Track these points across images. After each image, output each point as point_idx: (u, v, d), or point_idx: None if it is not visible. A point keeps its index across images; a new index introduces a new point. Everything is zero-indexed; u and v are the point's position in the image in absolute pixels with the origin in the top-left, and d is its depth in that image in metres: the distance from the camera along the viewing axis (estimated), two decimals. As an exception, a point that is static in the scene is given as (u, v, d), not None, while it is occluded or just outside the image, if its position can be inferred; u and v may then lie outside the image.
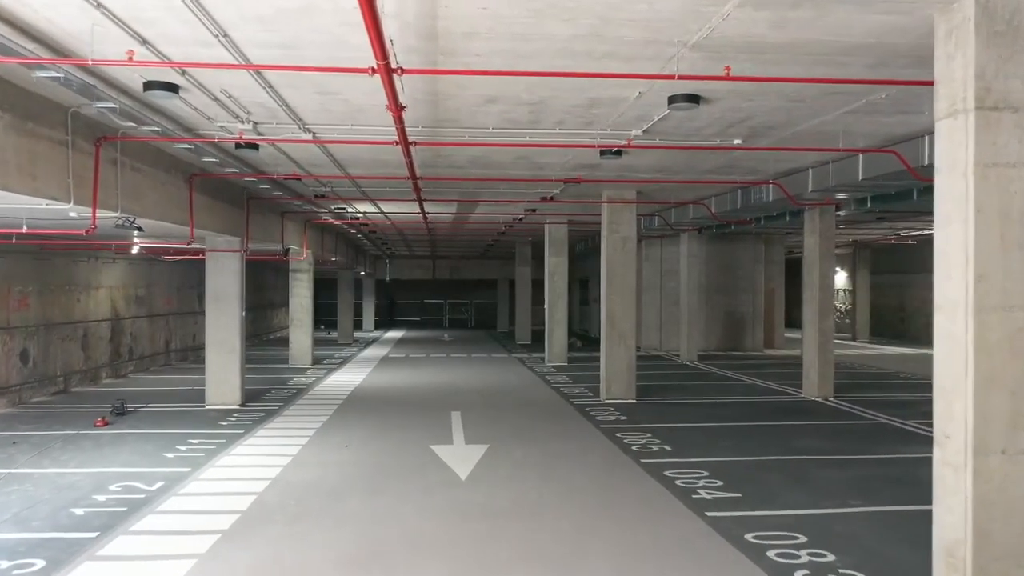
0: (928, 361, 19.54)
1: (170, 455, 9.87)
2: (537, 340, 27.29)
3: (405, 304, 47.88)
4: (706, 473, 8.89)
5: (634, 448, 10.32)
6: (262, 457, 9.86)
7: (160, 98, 6.85)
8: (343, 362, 22.72)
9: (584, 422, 12.40)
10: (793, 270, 32.42)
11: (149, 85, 6.58)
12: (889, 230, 25.60)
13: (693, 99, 7.02)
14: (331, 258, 25.70)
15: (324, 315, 42.63)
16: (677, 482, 8.51)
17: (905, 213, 18.52)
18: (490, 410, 13.69)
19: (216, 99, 7.21)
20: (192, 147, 8.78)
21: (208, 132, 8.48)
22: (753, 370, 20.01)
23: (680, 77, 5.82)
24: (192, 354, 23.38)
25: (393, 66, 5.27)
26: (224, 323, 13.91)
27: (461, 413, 13.18)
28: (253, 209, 14.62)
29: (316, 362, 22.05)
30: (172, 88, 6.66)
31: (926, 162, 8.70)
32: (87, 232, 7.87)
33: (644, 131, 8.64)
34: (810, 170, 11.54)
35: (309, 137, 8.64)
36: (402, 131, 7.23)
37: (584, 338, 31.76)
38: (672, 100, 7.06)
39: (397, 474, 9.01)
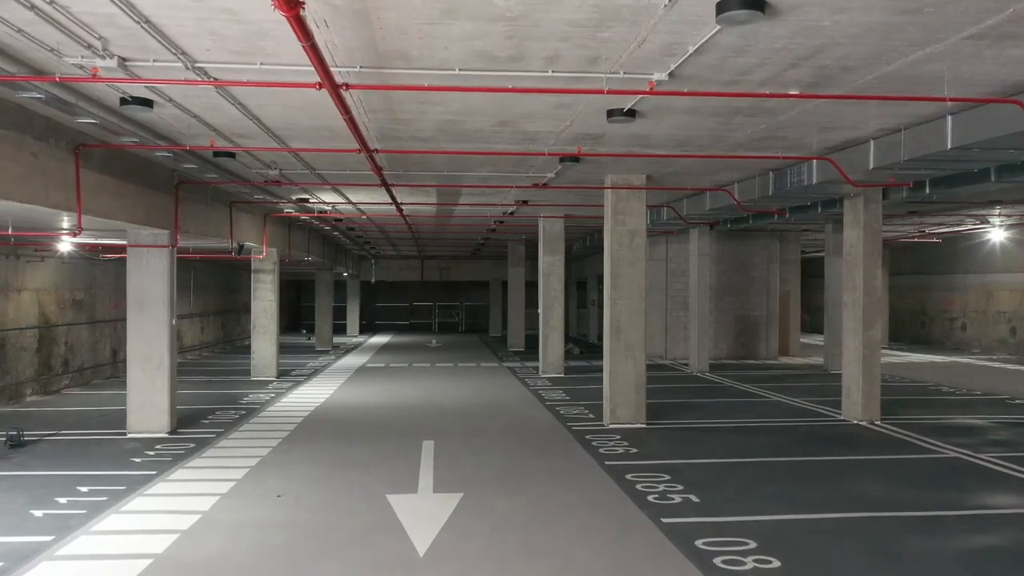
0: (962, 370, 17.06)
1: (39, 513, 7.46)
2: (531, 346, 24.91)
3: (392, 307, 45.46)
4: (753, 544, 6.50)
5: (651, 499, 7.94)
6: (160, 516, 7.44)
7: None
8: (314, 373, 20.31)
9: (585, 457, 10.01)
10: (809, 270, 30.15)
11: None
12: (913, 227, 23.32)
13: (756, 4, 4.65)
14: (304, 257, 23.29)
15: (308, 319, 40.27)
16: (717, 560, 6.12)
17: (958, 204, 16.18)
18: (471, 439, 11.30)
19: (32, 7, 4.82)
20: (41, 96, 6.39)
21: (62, 72, 6.04)
22: (773, 383, 17.64)
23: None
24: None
25: None
26: (149, 333, 11.52)
27: (435, 443, 10.79)
28: (188, 197, 12.22)
29: (282, 373, 19.65)
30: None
31: (1059, 117, 6.36)
32: None
33: (670, 73, 6.26)
34: (871, 142, 9.15)
35: (201, 78, 6.24)
36: (313, 51, 4.80)
37: (582, 344, 29.40)
38: (724, 7, 4.68)
39: (333, 546, 6.61)
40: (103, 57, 5.68)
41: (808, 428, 12.09)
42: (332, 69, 5.84)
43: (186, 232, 12.37)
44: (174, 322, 11.70)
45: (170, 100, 7.23)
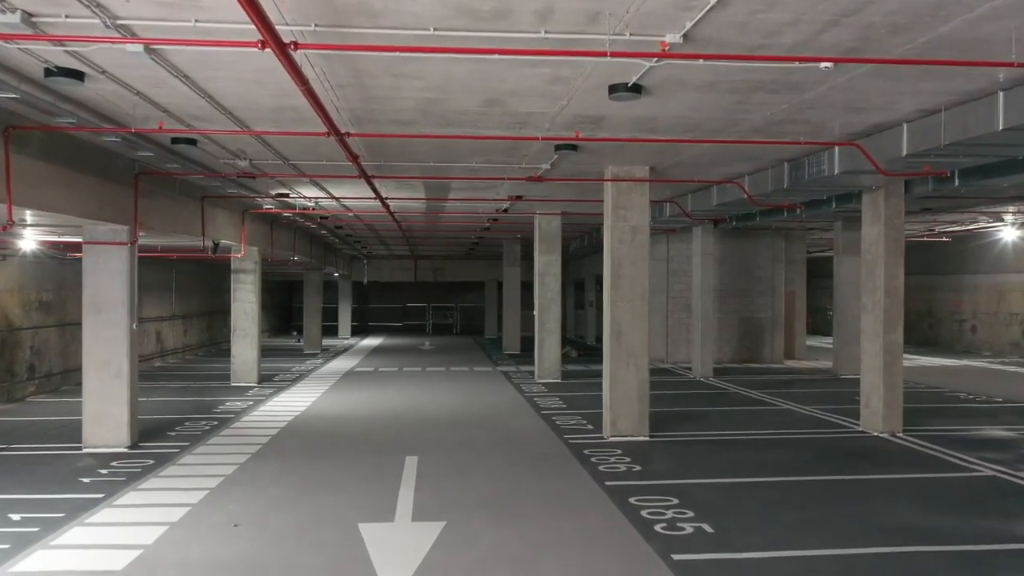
0: (977, 375, 15.95)
1: (-47, 549, 6.48)
2: (527, 349, 23.94)
3: (386, 308, 44.49)
4: (782, 589, 5.54)
5: (659, 528, 6.97)
6: (94, 553, 6.46)
7: None
8: (298, 378, 19.31)
9: (583, 476, 9.03)
10: (812, 270, 29.22)
11: None
12: (923, 225, 22.38)
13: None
14: (290, 257, 22.30)
15: (299, 320, 39.25)
16: (741, 613, 5.15)
17: (977, 200, 15.25)
18: (458, 454, 10.32)
19: None
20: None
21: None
22: (781, 389, 16.70)
23: None
24: (122, 369, 19.93)
25: None
26: (107, 339, 10.53)
27: (419, 459, 9.82)
28: (152, 190, 11.24)
29: (264, 379, 18.64)
30: None
31: None
32: None
33: (685, 35, 5.30)
34: (904, 125, 8.19)
35: (123, 35, 5.25)
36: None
37: (579, 346, 28.45)
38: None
39: (288, 591, 5.64)
40: (3, 11, 4.71)
41: (826, 441, 11.13)
42: (281, 28, 4.88)
43: (150, 228, 11.41)
44: (135, 326, 10.71)
45: (103, 71, 6.26)
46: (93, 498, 8.02)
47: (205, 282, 27.61)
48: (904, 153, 8.20)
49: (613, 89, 6.67)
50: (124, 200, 10.28)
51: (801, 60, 5.72)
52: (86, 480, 8.80)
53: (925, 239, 25.80)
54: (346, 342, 33.41)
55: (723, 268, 22.69)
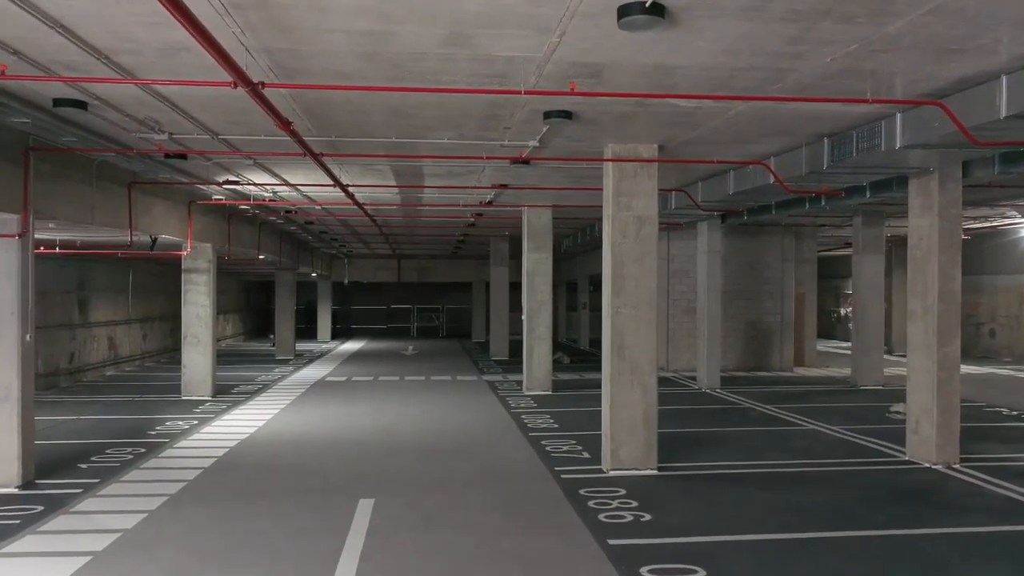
0: (1008, 385, 13.72)
1: None
2: (515, 354, 21.98)
3: (369, 310, 42.48)
4: None
5: (685, 624, 5.03)
6: None
7: None
8: (260, 389, 17.31)
9: (580, 531, 7.07)
10: (821, 271, 27.44)
11: None
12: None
13: None
14: (254, 255, 20.30)
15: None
16: None
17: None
18: (425, 494, 8.35)
19: None
20: None
21: None
22: (800, 403, 14.81)
23: None
24: (66, 379, 17.93)
25: None
26: (-9, 354, 8.53)
27: (375, 504, 7.86)
28: (56, 173, 9.27)
29: (221, 391, 16.65)
30: None
31: None
32: None
33: None
34: (1003, 78, 6.23)
35: None
36: None
37: (572, 351, 26.52)
38: None
39: None
40: None
41: (872, 476, 9.21)
42: None
43: (54, 218, 9.42)
44: (29, 337, 8.70)
45: None
46: (-70, 570, 6.04)
47: (169, 283, 25.51)
48: (1004, 114, 6.24)
49: (624, 11, 4.71)
50: (10, 183, 8.27)
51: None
52: (-62, 539, 6.81)
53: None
54: (324, 346, 31.39)
55: (728, 268, 20.76)
